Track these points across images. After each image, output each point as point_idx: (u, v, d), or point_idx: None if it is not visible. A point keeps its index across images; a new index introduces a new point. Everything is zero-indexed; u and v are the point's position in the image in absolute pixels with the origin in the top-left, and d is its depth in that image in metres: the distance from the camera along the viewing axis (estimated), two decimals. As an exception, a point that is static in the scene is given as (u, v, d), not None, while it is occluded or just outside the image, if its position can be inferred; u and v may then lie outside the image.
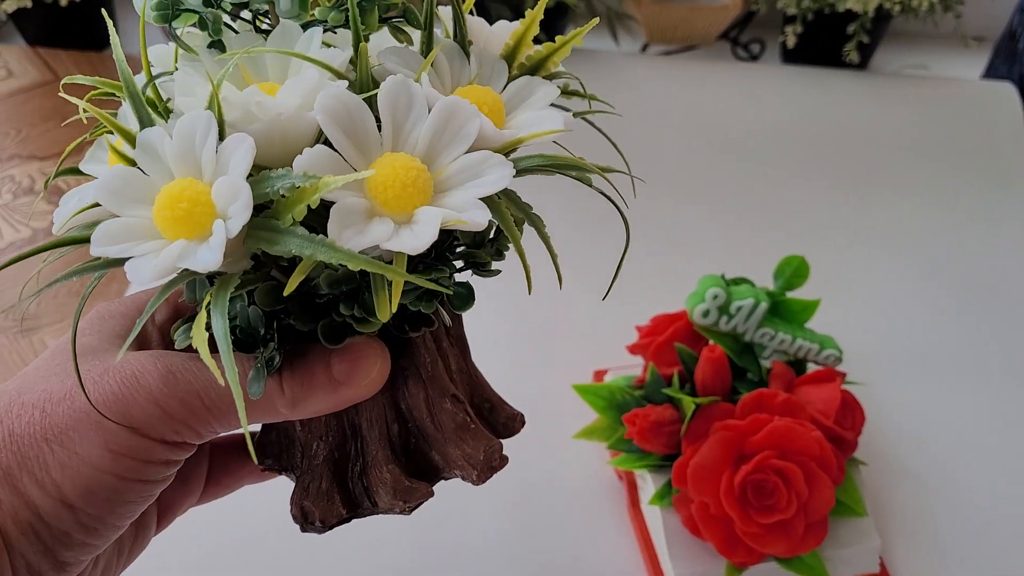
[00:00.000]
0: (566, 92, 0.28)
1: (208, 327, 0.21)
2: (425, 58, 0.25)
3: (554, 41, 0.28)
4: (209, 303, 0.21)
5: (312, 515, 0.28)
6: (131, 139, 0.24)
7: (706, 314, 0.46)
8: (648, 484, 0.47)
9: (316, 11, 0.26)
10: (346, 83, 0.23)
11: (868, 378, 0.52)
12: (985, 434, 0.53)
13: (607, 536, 0.48)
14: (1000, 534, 0.48)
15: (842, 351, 0.48)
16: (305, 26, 0.25)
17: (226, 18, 0.26)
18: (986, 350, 0.58)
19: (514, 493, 0.49)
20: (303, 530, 0.28)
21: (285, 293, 0.22)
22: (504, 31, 0.28)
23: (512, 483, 0.47)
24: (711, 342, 0.47)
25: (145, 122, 0.24)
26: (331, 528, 0.28)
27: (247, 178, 0.21)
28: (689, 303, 0.46)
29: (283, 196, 0.21)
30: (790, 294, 0.49)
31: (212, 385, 0.25)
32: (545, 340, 0.56)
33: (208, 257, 0.21)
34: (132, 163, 0.23)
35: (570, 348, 0.55)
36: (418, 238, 0.22)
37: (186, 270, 0.21)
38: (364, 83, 0.24)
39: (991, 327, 0.59)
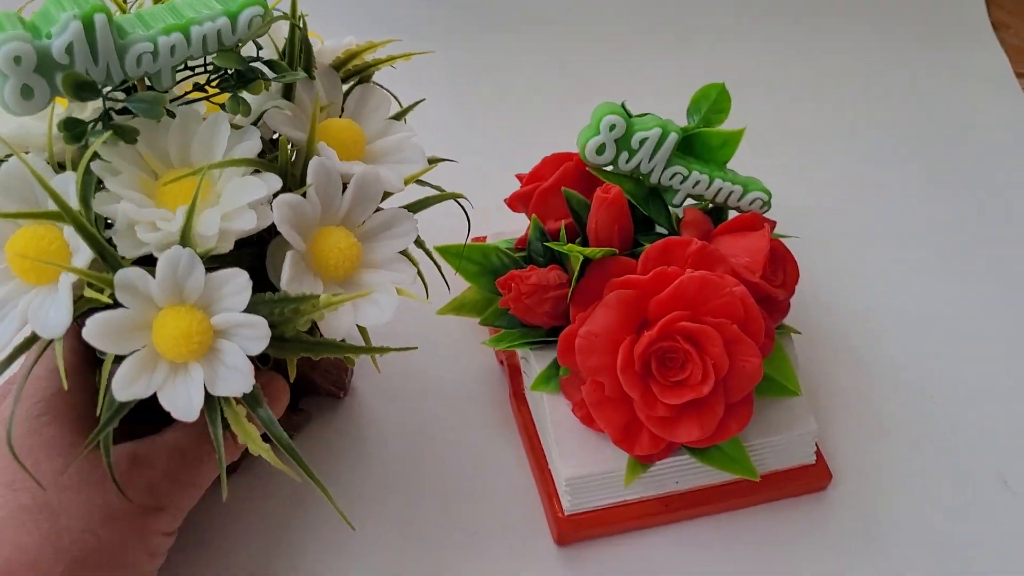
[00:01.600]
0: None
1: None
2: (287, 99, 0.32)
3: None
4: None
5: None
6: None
7: (600, 150, 0.37)
8: (532, 366, 0.39)
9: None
10: (280, 181, 0.28)
11: (801, 233, 0.46)
12: (924, 303, 0.49)
13: (486, 436, 0.42)
14: (943, 416, 0.44)
15: (771, 194, 0.40)
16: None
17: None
18: (934, 213, 0.54)
19: (391, 388, 0.44)
20: None
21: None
22: (336, 46, 0.34)
23: (391, 377, 0.43)
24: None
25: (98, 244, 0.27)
26: None
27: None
28: (581, 138, 0.38)
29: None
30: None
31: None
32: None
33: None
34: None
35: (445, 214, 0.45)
36: (383, 311, 0.28)
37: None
38: (285, 169, 0.29)
39: (940, 189, 0.56)
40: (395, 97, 0.37)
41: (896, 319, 0.48)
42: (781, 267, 0.38)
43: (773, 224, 0.40)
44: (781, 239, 0.40)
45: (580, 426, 0.38)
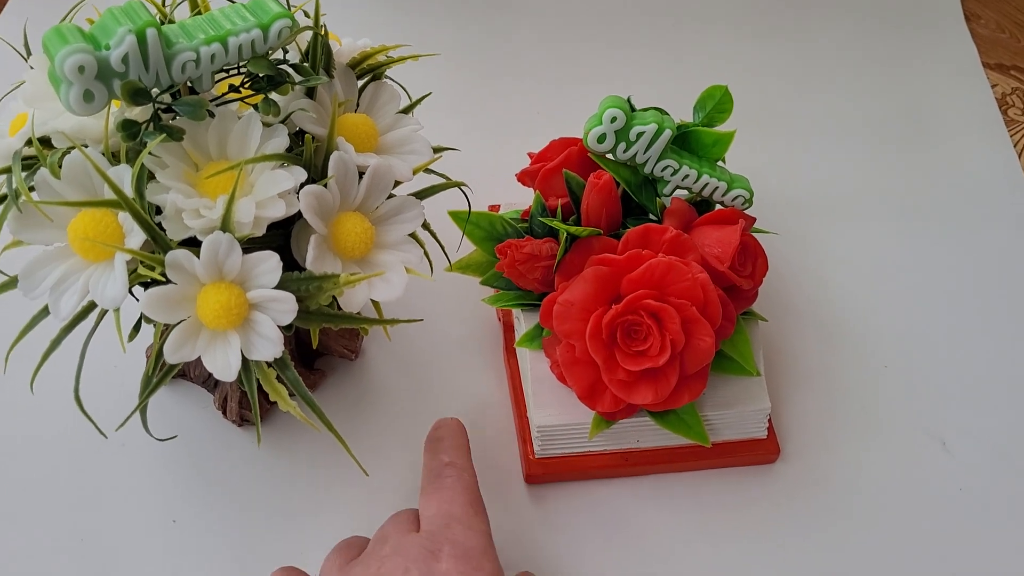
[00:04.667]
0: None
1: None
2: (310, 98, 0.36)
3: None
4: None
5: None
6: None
7: (601, 139, 0.41)
8: (522, 326, 0.44)
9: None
10: (304, 173, 0.32)
11: (784, 230, 0.51)
12: (891, 287, 0.53)
13: (480, 382, 0.47)
14: (893, 385, 0.48)
15: (753, 193, 0.43)
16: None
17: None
18: (899, 199, 0.58)
19: (399, 350, 0.48)
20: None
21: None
22: (352, 47, 0.39)
23: (398, 340, 0.48)
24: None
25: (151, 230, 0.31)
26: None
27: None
28: (586, 126, 0.41)
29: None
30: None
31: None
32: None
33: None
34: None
35: (467, 181, 0.47)
36: (394, 287, 0.32)
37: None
38: (309, 162, 0.33)
39: (905, 176, 0.59)
40: (406, 91, 0.41)
41: (862, 303, 0.52)
42: (751, 260, 0.42)
43: (752, 220, 0.44)
44: (760, 233, 0.44)
45: (556, 382, 0.42)
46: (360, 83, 0.39)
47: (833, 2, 0.71)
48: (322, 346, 0.47)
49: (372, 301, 0.35)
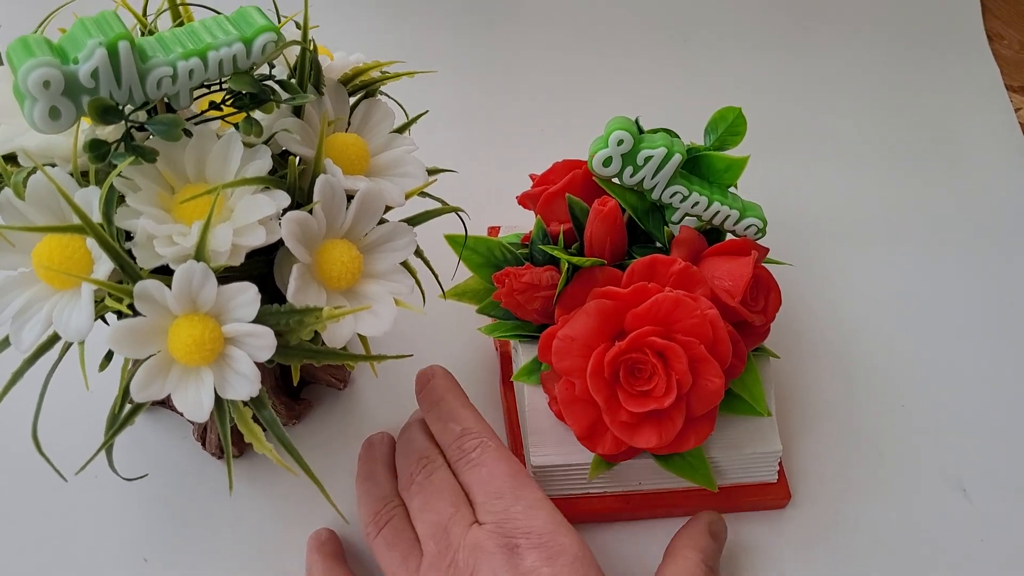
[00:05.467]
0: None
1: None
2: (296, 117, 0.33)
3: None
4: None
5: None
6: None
7: (607, 162, 0.38)
8: (520, 357, 0.42)
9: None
10: (288, 198, 0.30)
11: (799, 258, 0.48)
12: (909, 318, 0.51)
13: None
14: (910, 428, 0.46)
15: (766, 222, 0.41)
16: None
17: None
18: (919, 225, 0.55)
19: (389, 380, 0.45)
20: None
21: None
22: (344, 63, 0.37)
23: (389, 370, 0.43)
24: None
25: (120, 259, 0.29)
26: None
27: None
28: (591, 148, 0.39)
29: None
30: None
31: None
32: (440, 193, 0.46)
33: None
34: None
35: (465, 203, 0.43)
36: (382, 321, 0.30)
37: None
38: (293, 185, 0.30)
39: (925, 200, 0.57)
40: (403, 108, 0.38)
41: (880, 336, 0.50)
42: (764, 294, 0.40)
43: (765, 251, 0.42)
44: (772, 264, 0.42)
45: (555, 419, 0.40)
46: (352, 100, 0.36)
47: (850, 20, 0.69)
48: (309, 375, 0.45)
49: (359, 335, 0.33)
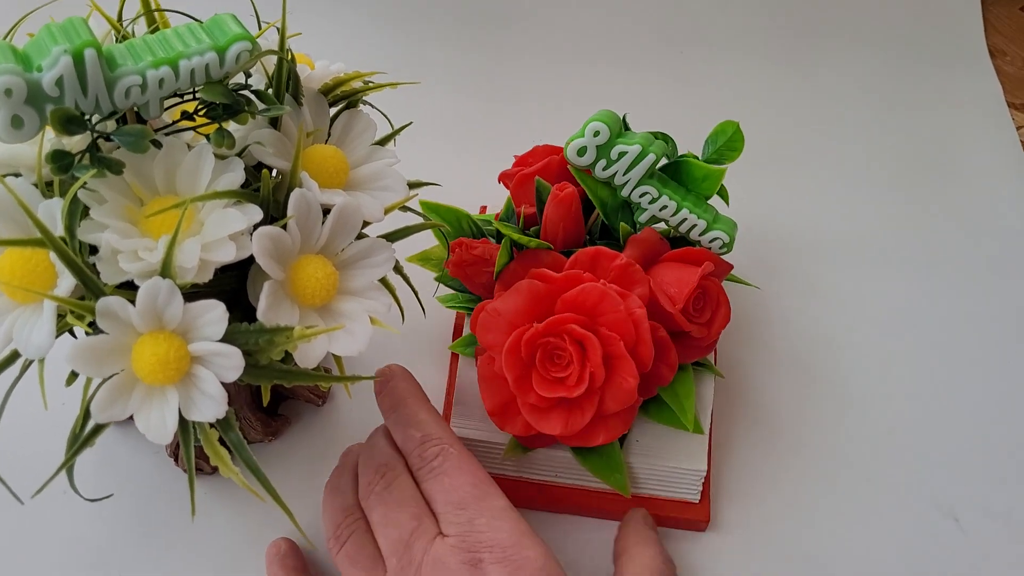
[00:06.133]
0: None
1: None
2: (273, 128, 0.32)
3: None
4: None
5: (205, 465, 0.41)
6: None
7: (582, 151, 0.38)
8: (467, 328, 0.42)
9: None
10: (260, 214, 0.29)
11: (791, 275, 0.47)
12: (913, 352, 0.49)
13: (425, 379, 0.41)
14: (908, 473, 0.44)
15: (733, 239, 0.41)
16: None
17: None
18: (913, 241, 0.54)
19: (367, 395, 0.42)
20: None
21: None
22: (325, 72, 0.36)
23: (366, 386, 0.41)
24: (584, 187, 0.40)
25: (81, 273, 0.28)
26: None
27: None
28: (570, 137, 0.39)
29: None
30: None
31: None
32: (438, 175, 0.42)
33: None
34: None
35: (450, 183, 0.43)
36: (356, 341, 0.29)
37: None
38: (267, 199, 0.29)
39: (921, 217, 0.56)
40: (387, 117, 0.38)
41: (871, 358, 0.49)
42: (711, 307, 0.39)
43: (726, 267, 0.41)
44: (737, 284, 0.41)
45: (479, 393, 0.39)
46: (333, 111, 0.35)
47: (852, 36, 0.68)
48: (286, 390, 0.44)
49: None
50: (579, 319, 0.36)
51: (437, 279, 0.43)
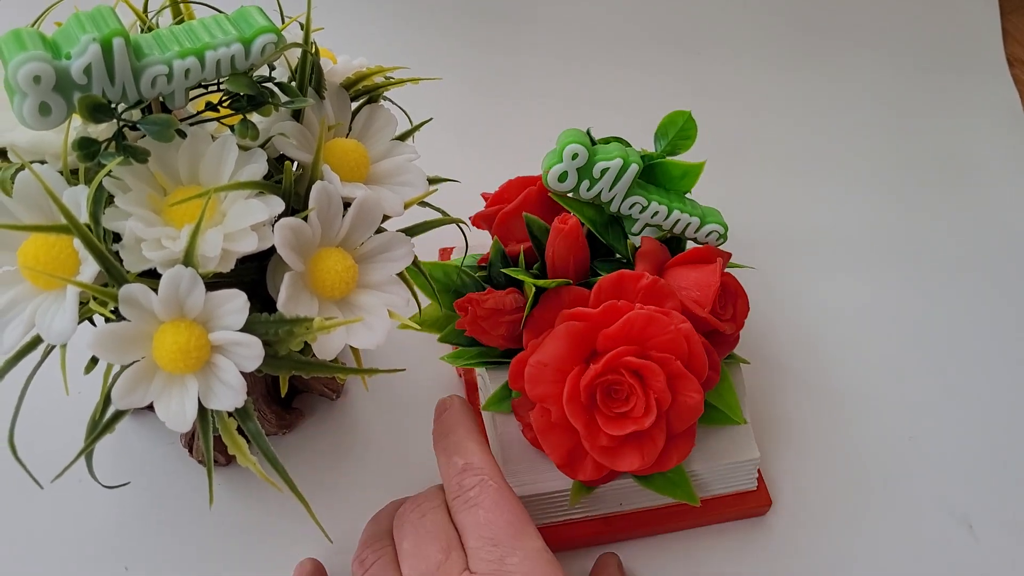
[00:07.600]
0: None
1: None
2: (295, 120, 0.32)
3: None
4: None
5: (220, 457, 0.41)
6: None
7: (563, 177, 0.37)
8: (487, 385, 0.40)
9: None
10: (282, 205, 0.29)
11: (760, 263, 0.48)
12: (881, 331, 0.50)
13: (437, 375, 0.44)
14: (892, 447, 0.45)
15: (727, 227, 0.40)
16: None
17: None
18: (895, 238, 0.54)
19: (382, 390, 0.44)
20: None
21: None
22: (347, 66, 0.35)
23: (381, 380, 0.43)
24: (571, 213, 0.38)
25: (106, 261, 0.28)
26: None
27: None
28: (544, 164, 0.37)
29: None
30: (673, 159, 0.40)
31: None
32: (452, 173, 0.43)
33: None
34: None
35: (468, 214, 0.42)
36: (375, 334, 0.29)
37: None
38: (289, 191, 0.30)
39: (935, 220, 0.56)
40: (407, 114, 0.38)
41: (889, 365, 0.49)
42: (731, 301, 0.39)
43: (728, 256, 0.41)
44: (736, 270, 0.41)
45: (529, 446, 0.38)
46: (354, 105, 0.36)
47: (868, 42, 0.68)
48: (301, 383, 0.44)
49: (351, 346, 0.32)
50: (631, 349, 0.35)
51: (441, 339, 0.40)
